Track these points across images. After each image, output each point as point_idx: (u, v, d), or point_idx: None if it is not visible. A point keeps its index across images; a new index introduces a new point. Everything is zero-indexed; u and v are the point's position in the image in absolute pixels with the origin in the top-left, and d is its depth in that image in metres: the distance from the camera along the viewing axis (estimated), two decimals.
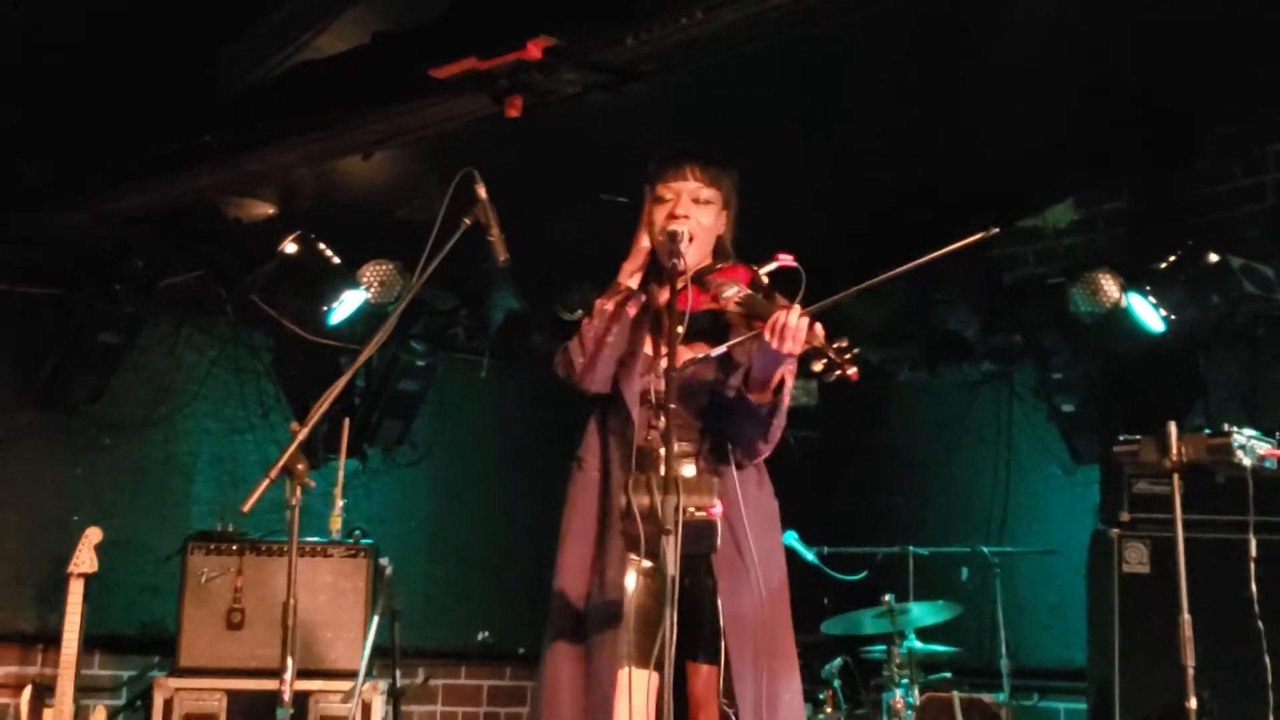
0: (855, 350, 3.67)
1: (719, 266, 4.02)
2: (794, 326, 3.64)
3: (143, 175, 6.25)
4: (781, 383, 3.86)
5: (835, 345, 3.67)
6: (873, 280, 3.76)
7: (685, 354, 3.87)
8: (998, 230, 3.73)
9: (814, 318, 3.68)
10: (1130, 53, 6.08)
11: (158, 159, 6.13)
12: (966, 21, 5.59)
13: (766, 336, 3.68)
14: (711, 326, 3.97)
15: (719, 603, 3.87)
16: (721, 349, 3.87)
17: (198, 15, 5.48)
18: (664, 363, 3.68)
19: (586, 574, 3.96)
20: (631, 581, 3.87)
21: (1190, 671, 4.39)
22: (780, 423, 3.92)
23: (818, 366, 3.69)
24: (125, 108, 6.01)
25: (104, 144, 6.23)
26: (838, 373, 3.67)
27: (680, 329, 3.72)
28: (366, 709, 6.59)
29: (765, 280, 3.89)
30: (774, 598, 3.99)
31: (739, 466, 3.97)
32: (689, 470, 3.91)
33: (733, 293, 3.88)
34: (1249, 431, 4.70)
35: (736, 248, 4.15)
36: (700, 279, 3.96)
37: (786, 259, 3.86)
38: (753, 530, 3.95)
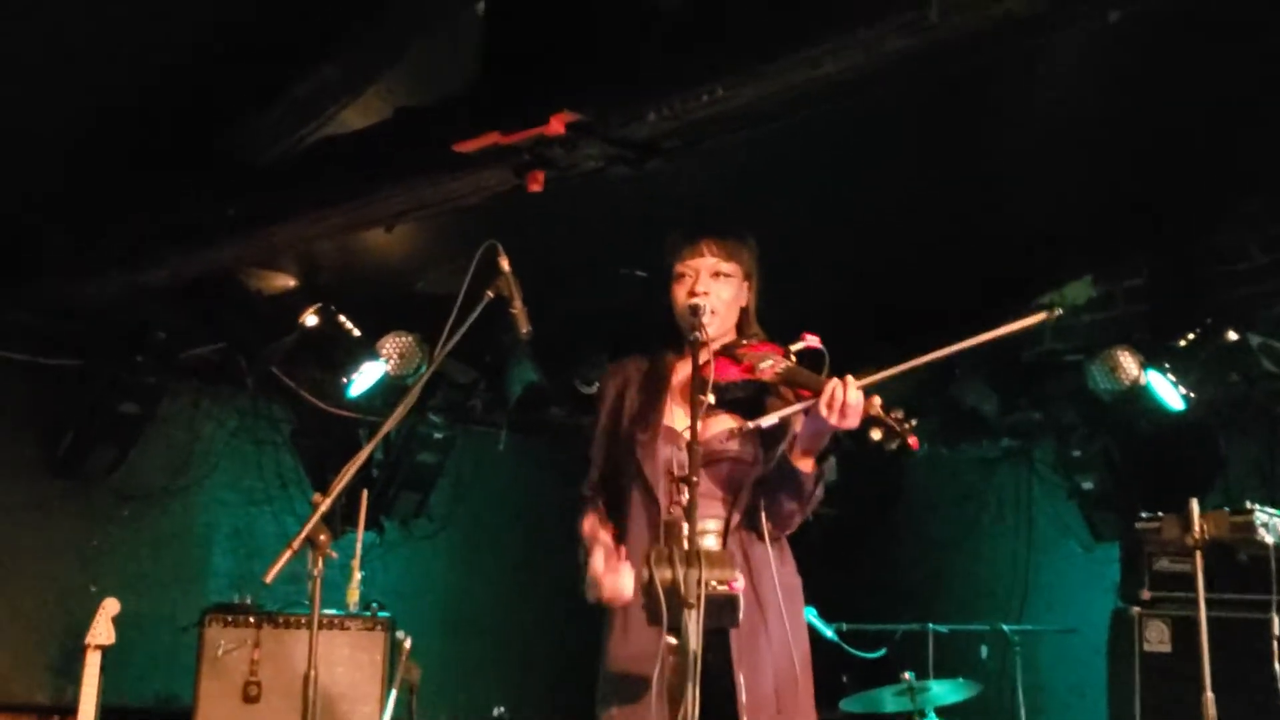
0: (913, 420, 3.69)
1: (746, 342, 4.04)
2: (854, 404, 3.67)
3: (165, 247, 6.29)
4: (827, 451, 3.87)
5: (893, 415, 3.68)
6: (925, 358, 3.77)
7: (713, 424, 3.88)
8: (1061, 312, 3.74)
9: (867, 392, 3.69)
10: (1151, 129, 6.10)
11: (181, 231, 6.16)
12: (987, 98, 5.62)
13: (824, 412, 3.69)
14: (746, 397, 3.97)
15: (738, 679, 3.85)
16: (773, 420, 3.86)
17: (222, 89, 5.52)
18: (687, 435, 3.69)
19: (615, 652, 3.95)
20: (655, 656, 3.84)
21: None
22: (821, 493, 3.94)
23: (877, 435, 3.70)
24: (149, 180, 6.05)
25: (127, 215, 6.26)
26: (898, 441, 3.68)
27: (711, 398, 3.74)
28: None
29: (794, 359, 3.90)
30: (797, 675, 3.97)
31: (772, 540, 3.97)
32: (711, 543, 3.90)
33: (770, 364, 3.89)
34: (1271, 510, 4.69)
35: (760, 319, 4.17)
36: (731, 352, 3.98)
37: (813, 340, 3.88)
38: (779, 605, 3.94)
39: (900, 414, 3.70)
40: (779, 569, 4.00)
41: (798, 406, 3.84)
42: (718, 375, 3.89)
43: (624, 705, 3.86)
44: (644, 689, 3.77)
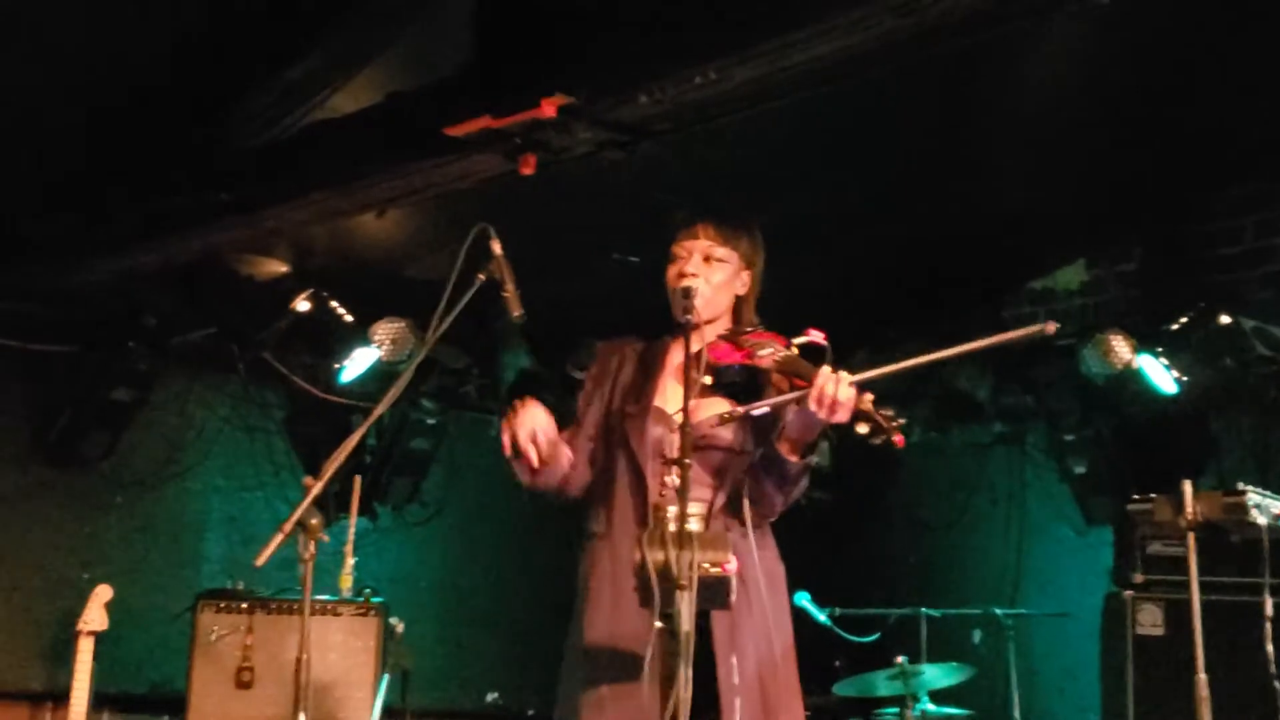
0: (902, 420, 3.68)
1: (750, 330, 4.02)
2: (844, 400, 3.66)
3: (157, 233, 6.27)
4: (814, 443, 3.86)
5: (882, 412, 3.67)
6: (920, 359, 3.78)
7: (705, 407, 3.87)
8: (1058, 326, 3.72)
9: (860, 388, 3.68)
10: (1143, 113, 6.11)
11: (172, 216, 6.15)
12: (979, 81, 5.61)
13: (814, 408, 3.68)
14: (742, 382, 3.95)
15: (730, 661, 3.83)
16: (764, 407, 3.84)
17: (213, 73, 5.50)
18: (679, 417, 3.68)
19: (601, 633, 3.93)
20: (647, 638, 3.82)
21: None
22: (805, 484, 3.93)
23: (863, 429, 3.68)
24: (140, 165, 6.03)
25: (119, 201, 6.25)
26: (883, 437, 3.67)
27: (706, 379, 3.73)
28: None
29: (796, 351, 3.89)
30: (780, 661, 3.95)
31: (753, 525, 3.94)
32: (694, 527, 3.87)
33: (770, 352, 3.88)
34: (1264, 491, 4.68)
35: (759, 306, 4.16)
36: (734, 337, 3.97)
37: (817, 335, 3.86)
38: (760, 590, 3.92)
39: (890, 412, 3.69)
40: (760, 554, 3.96)
41: (789, 396, 3.82)
42: (718, 358, 3.88)
43: (614, 684, 3.82)
44: (636, 670, 3.73)
